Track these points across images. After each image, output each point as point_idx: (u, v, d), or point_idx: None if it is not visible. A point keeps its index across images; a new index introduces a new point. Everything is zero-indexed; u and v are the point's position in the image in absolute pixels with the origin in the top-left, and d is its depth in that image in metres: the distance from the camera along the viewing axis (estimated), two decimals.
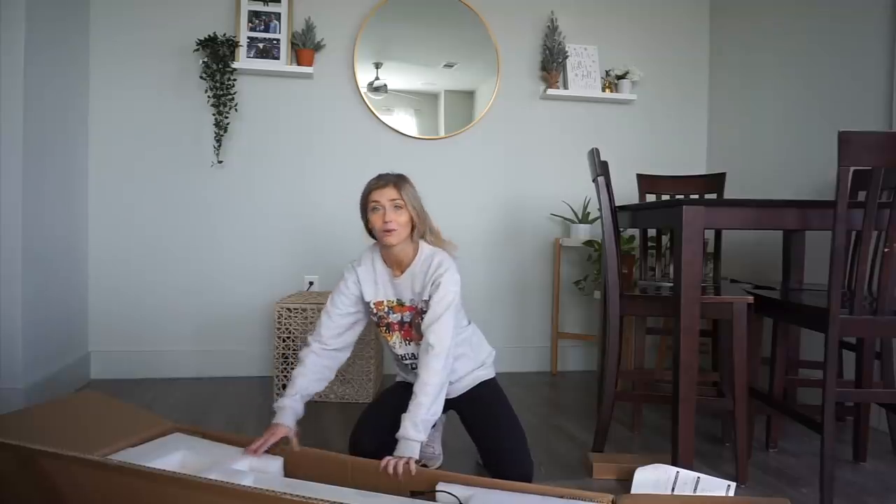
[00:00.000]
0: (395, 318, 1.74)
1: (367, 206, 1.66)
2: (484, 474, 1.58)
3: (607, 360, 1.98)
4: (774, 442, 2.08)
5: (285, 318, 2.55)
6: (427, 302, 1.65)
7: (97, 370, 2.84)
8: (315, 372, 1.67)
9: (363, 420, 1.74)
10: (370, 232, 1.71)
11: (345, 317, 1.72)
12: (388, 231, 1.61)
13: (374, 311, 1.74)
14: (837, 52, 2.54)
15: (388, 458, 1.43)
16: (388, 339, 1.76)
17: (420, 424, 1.49)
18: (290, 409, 1.59)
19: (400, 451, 1.46)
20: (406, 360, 1.78)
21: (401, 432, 1.49)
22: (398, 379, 1.90)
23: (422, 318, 1.65)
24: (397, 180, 1.66)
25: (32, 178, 2.30)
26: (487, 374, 1.83)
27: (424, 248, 1.70)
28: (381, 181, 1.65)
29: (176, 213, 2.90)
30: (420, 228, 1.68)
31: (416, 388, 1.55)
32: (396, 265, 1.71)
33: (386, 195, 1.63)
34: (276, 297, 2.89)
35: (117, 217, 2.85)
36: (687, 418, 1.71)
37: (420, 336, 1.66)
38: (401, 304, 1.73)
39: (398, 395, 1.72)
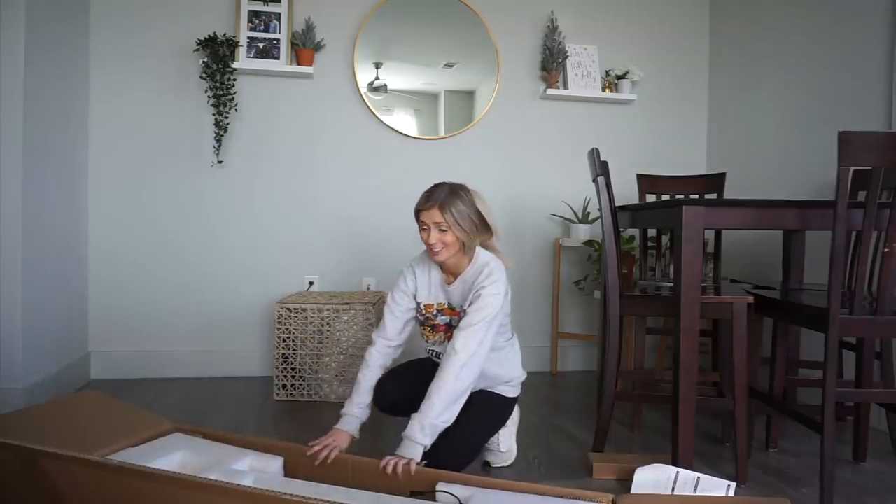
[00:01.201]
0: (442, 320, 1.76)
1: (417, 221, 1.68)
2: (482, 474, 1.58)
3: (607, 360, 1.98)
4: (774, 442, 2.08)
5: (285, 318, 2.55)
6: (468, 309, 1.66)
7: (97, 370, 2.84)
8: (378, 372, 1.73)
9: (390, 373, 1.79)
10: None
11: (406, 312, 1.77)
12: (434, 252, 1.65)
13: (423, 311, 1.77)
14: (837, 52, 2.54)
15: (388, 457, 1.43)
16: (431, 337, 1.78)
17: (427, 428, 1.48)
18: (357, 417, 1.65)
19: (402, 450, 1.46)
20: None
21: (407, 431, 1.49)
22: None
23: None
24: (445, 200, 1.62)
25: (32, 179, 2.30)
26: (508, 390, 1.81)
27: (480, 255, 1.71)
28: (429, 202, 1.64)
29: (176, 213, 2.90)
30: (470, 245, 1.68)
31: (431, 389, 1.53)
32: (450, 272, 1.74)
33: (431, 217, 1.63)
34: (276, 297, 2.89)
35: (117, 217, 2.85)
36: (687, 418, 1.71)
37: None
38: (451, 307, 1.75)
39: (427, 365, 1.77)
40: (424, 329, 1.79)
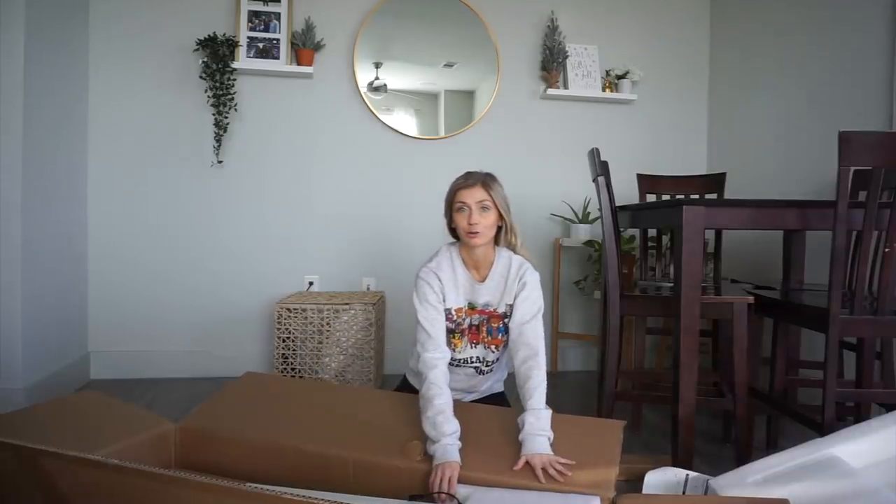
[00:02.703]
0: (467, 322, 1.68)
1: (452, 205, 1.62)
2: (480, 472, 1.57)
3: (607, 360, 1.98)
4: (774, 442, 2.08)
5: (285, 318, 2.55)
6: (511, 306, 1.62)
7: (97, 370, 2.84)
8: (450, 392, 1.54)
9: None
10: (452, 231, 1.68)
11: (442, 320, 1.64)
12: (473, 234, 1.57)
13: (454, 317, 1.66)
14: (837, 52, 2.54)
15: (526, 458, 1.38)
16: (458, 345, 1.68)
17: (545, 419, 1.46)
18: (458, 443, 1.43)
19: (533, 448, 1.40)
20: (469, 363, 1.71)
21: (528, 428, 1.44)
22: (409, 378, 1.86)
23: (502, 322, 1.65)
24: (486, 179, 1.61)
25: (32, 178, 2.30)
26: (502, 386, 1.85)
27: (501, 251, 1.67)
28: (470, 180, 1.60)
29: (176, 213, 2.90)
30: (509, 231, 1.65)
31: (531, 382, 1.51)
32: (476, 268, 1.67)
33: (473, 196, 1.58)
34: (275, 297, 2.89)
35: (117, 217, 2.85)
36: (687, 418, 1.71)
37: (488, 338, 1.66)
38: (472, 307, 1.67)
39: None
40: (453, 337, 1.66)
